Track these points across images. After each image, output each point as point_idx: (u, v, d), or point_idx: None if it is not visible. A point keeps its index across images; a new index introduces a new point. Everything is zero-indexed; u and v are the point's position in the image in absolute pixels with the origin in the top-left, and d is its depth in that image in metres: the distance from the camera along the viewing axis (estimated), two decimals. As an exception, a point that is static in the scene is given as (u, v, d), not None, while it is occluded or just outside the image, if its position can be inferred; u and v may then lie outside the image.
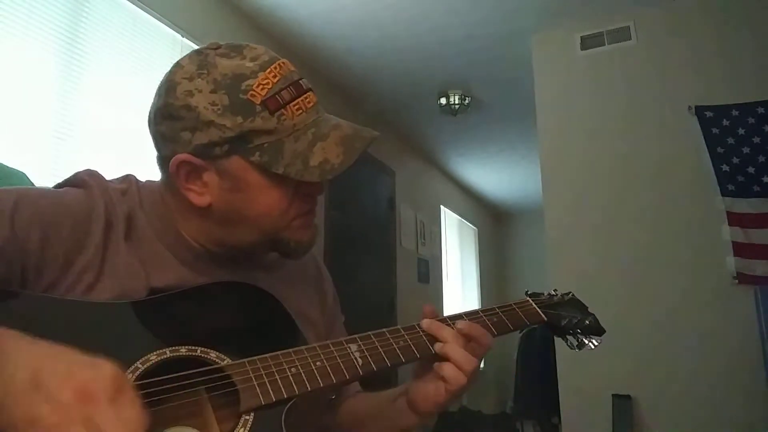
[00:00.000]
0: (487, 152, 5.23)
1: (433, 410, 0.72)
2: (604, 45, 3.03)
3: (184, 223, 0.74)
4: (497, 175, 5.95)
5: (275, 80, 0.68)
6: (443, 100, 4.03)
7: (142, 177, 0.80)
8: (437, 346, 0.72)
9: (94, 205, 0.69)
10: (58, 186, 0.73)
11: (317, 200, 0.77)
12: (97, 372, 0.46)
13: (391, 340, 0.71)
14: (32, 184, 1.19)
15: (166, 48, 2.54)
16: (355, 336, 0.70)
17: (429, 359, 0.73)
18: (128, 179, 0.77)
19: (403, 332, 0.73)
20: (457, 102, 3.99)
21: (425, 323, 0.74)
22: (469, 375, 0.70)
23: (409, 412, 0.75)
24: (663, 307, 2.62)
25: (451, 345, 0.71)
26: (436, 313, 0.77)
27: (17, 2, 1.98)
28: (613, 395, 2.59)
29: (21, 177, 1.21)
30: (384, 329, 0.72)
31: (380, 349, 0.69)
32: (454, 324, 0.74)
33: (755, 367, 2.34)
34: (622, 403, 2.56)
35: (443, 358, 0.71)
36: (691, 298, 2.57)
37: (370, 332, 0.71)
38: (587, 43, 3.07)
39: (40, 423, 0.43)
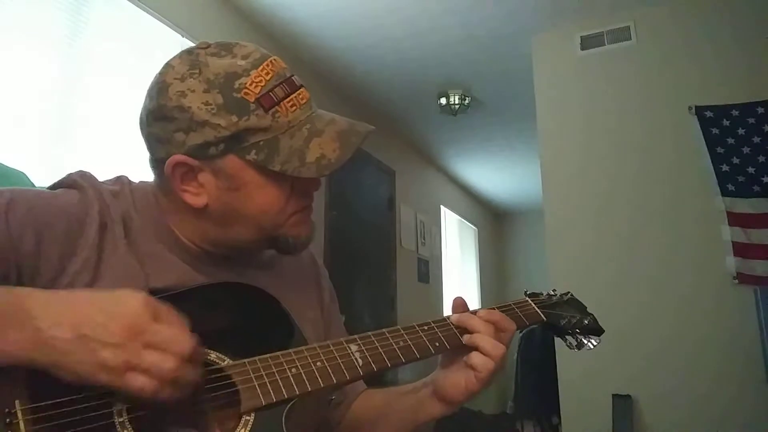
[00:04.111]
0: (487, 152, 5.24)
1: (464, 399, 0.74)
2: (604, 45, 3.03)
3: (179, 224, 0.74)
4: (497, 175, 5.95)
5: (268, 77, 0.68)
6: (443, 100, 4.03)
7: (143, 177, 0.80)
8: (466, 338, 0.74)
9: (89, 206, 0.68)
10: (51, 188, 0.73)
11: (314, 196, 0.77)
12: (129, 305, 0.53)
13: (391, 341, 0.71)
14: (32, 184, 1.19)
15: (166, 48, 2.54)
16: (355, 336, 0.70)
17: (441, 357, 0.74)
18: (120, 180, 0.77)
19: (402, 332, 0.73)
20: (457, 102, 3.99)
21: (455, 317, 0.77)
22: (497, 361, 0.72)
23: (435, 402, 0.76)
24: (663, 307, 2.62)
25: (479, 335, 0.73)
26: (466, 305, 0.79)
27: (18, 2, 1.98)
28: (613, 395, 2.59)
29: (21, 177, 1.21)
30: (384, 329, 0.72)
31: (380, 350, 0.69)
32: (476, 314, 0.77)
33: (755, 366, 2.35)
34: (622, 403, 2.57)
35: (472, 348, 0.73)
36: (691, 298, 2.57)
37: (370, 332, 0.71)
38: (587, 43, 3.07)
39: (109, 365, 0.50)
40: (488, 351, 0.72)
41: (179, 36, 2.63)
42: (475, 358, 0.72)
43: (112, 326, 0.51)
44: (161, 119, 0.68)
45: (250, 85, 0.67)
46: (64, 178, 0.73)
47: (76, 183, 0.71)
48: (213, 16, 2.88)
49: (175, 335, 0.53)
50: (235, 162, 0.68)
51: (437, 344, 0.74)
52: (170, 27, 2.59)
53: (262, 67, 0.69)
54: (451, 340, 0.75)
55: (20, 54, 1.97)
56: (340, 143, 0.70)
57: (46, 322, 0.50)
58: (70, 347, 0.49)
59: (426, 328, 0.75)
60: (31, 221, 0.63)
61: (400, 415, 0.81)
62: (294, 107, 0.69)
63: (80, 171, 0.74)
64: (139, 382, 0.51)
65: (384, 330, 0.72)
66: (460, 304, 0.79)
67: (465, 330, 0.75)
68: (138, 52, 2.40)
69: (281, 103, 0.68)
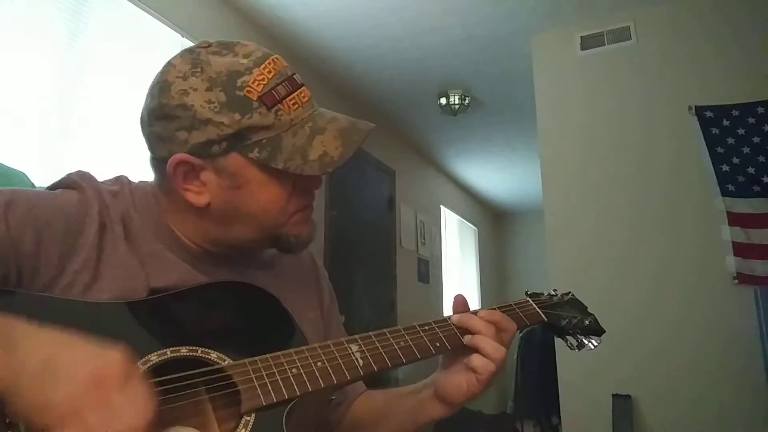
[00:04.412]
0: (487, 152, 5.23)
1: (464, 400, 0.74)
2: (604, 45, 3.03)
3: (179, 224, 0.74)
4: (497, 175, 5.95)
5: (270, 76, 0.68)
6: (443, 100, 4.03)
7: (143, 177, 0.80)
8: (467, 338, 0.74)
9: (88, 207, 0.68)
10: (51, 188, 0.72)
11: (315, 195, 0.78)
12: (107, 359, 0.48)
13: (392, 341, 0.71)
14: (32, 184, 1.19)
15: (166, 48, 2.54)
16: (356, 336, 0.70)
17: (442, 357, 0.73)
18: (120, 180, 0.77)
19: (403, 332, 0.73)
20: (457, 102, 3.99)
21: (455, 318, 0.76)
22: (498, 363, 0.72)
23: (436, 403, 0.76)
24: (663, 307, 2.62)
25: (480, 337, 0.73)
26: (467, 303, 0.79)
27: (18, 2, 1.98)
28: (613, 395, 2.59)
29: (21, 177, 1.21)
30: (384, 329, 0.72)
31: (381, 350, 0.69)
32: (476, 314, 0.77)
33: (755, 366, 2.35)
34: (622, 403, 2.57)
35: (473, 349, 0.73)
36: (691, 298, 2.57)
37: (370, 332, 0.71)
38: (587, 43, 3.07)
39: (55, 408, 0.45)
40: (489, 353, 0.72)
41: (179, 36, 2.63)
42: (476, 360, 0.72)
43: (78, 371, 0.47)
44: (163, 118, 0.68)
45: (253, 83, 0.67)
46: (64, 178, 0.73)
47: (75, 183, 0.71)
48: (213, 16, 2.88)
49: (132, 407, 0.47)
50: (238, 160, 0.68)
51: (438, 344, 0.74)
52: (170, 27, 2.59)
53: (264, 65, 0.69)
54: (451, 340, 0.74)
55: (20, 54, 1.97)
56: (342, 141, 0.70)
57: (21, 349, 0.47)
58: (31, 376, 0.46)
59: (427, 328, 0.75)
60: (30, 221, 0.63)
61: (400, 416, 0.80)
62: (296, 105, 0.70)
63: (79, 171, 0.74)
64: None
65: (385, 330, 0.72)
66: (460, 302, 0.79)
67: (466, 330, 0.75)
68: (138, 52, 2.40)
69: (283, 101, 0.68)
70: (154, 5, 2.49)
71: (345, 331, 0.90)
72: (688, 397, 2.48)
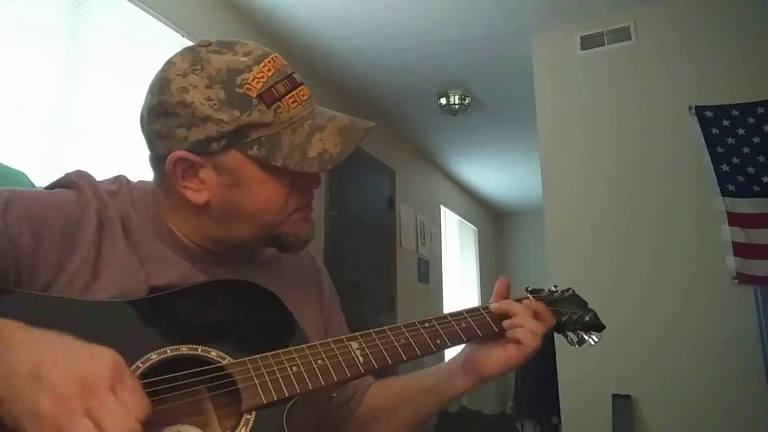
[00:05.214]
0: (487, 152, 5.23)
1: (502, 371, 0.77)
2: (604, 45, 3.03)
3: (178, 223, 0.74)
4: (497, 175, 5.95)
5: (270, 74, 0.69)
6: (443, 100, 4.03)
7: (143, 177, 0.80)
8: (507, 322, 0.77)
9: (86, 206, 0.68)
10: (49, 187, 0.72)
11: (314, 194, 0.78)
12: (97, 361, 0.48)
13: (392, 338, 0.71)
14: (32, 184, 1.19)
15: (166, 48, 2.54)
16: (356, 333, 0.70)
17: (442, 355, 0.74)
18: (118, 180, 0.77)
19: (403, 329, 0.73)
20: (457, 102, 3.99)
21: (494, 305, 0.80)
22: (539, 339, 0.76)
23: (462, 376, 0.79)
24: (663, 307, 2.62)
25: (523, 317, 0.77)
26: (508, 290, 0.84)
27: (18, 2, 1.98)
28: (613, 395, 2.59)
29: (21, 177, 1.21)
30: (385, 327, 0.72)
31: (381, 347, 0.69)
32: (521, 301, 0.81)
33: (755, 366, 2.34)
34: (622, 403, 2.57)
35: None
36: (691, 298, 2.57)
37: (371, 330, 0.71)
38: (587, 43, 3.07)
39: (43, 416, 0.45)
40: (534, 329, 0.75)
41: (179, 36, 2.63)
42: (520, 332, 0.75)
43: (67, 376, 0.46)
44: (163, 115, 0.68)
45: (252, 80, 0.67)
46: (62, 177, 0.73)
47: (73, 183, 0.71)
48: (213, 16, 2.88)
49: (122, 412, 0.46)
50: (237, 158, 0.68)
51: (438, 341, 0.74)
52: (170, 27, 2.59)
53: (263, 63, 0.69)
54: (452, 336, 0.75)
55: (20, 54, 1.97)
56: (341, 138, 0.70)
57: (13, 355, 0.47)
58: (21, 383, 0.46)
59: (427, 325, 0.75)
60: (29, 220, 0.63)
61: (424, 396, 0.82)
62: (295, 103, 0.70)
63: (78, 171, 0.74)
64: None
65: (385, 327, 0.72)
66: (504, 286, 0.84)
67: (506, 315, 0.78)
68: (138, 52, 2.40)
69: (283, 99, 0.69)
70: (154, 5, 2.49)
71: (347, 328, 0.90)
72: (688, 397, 2.48)
